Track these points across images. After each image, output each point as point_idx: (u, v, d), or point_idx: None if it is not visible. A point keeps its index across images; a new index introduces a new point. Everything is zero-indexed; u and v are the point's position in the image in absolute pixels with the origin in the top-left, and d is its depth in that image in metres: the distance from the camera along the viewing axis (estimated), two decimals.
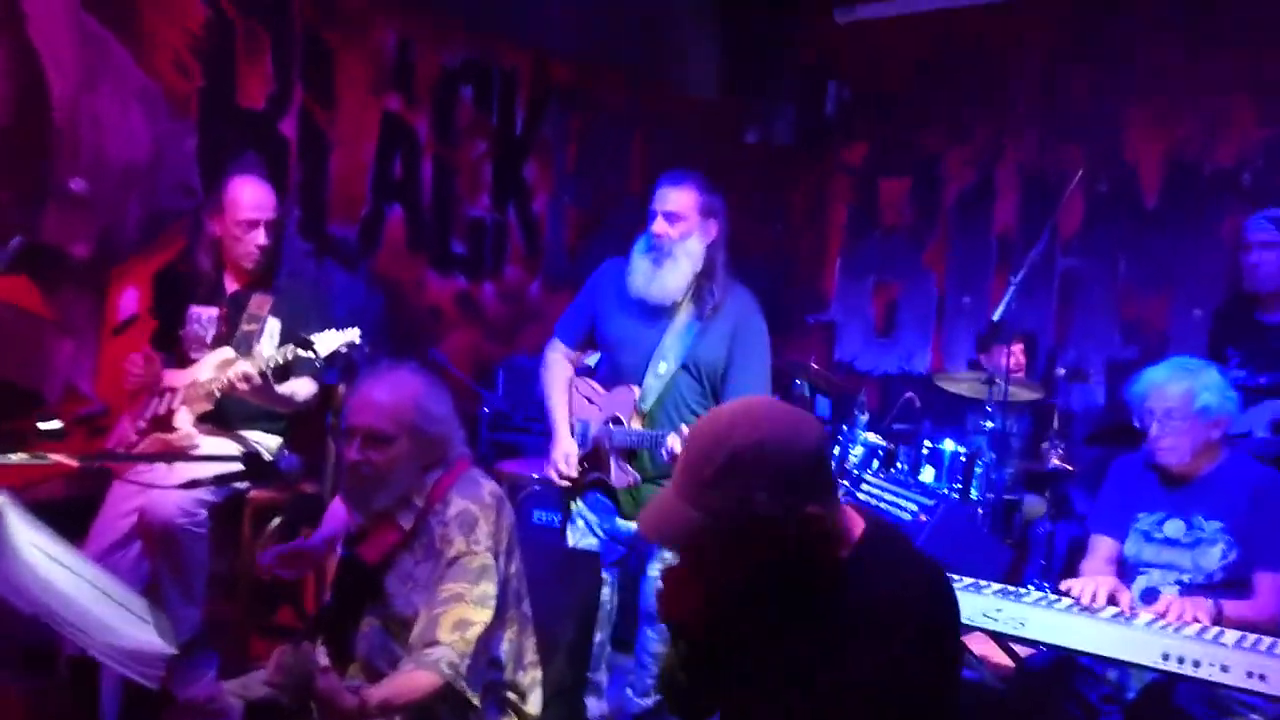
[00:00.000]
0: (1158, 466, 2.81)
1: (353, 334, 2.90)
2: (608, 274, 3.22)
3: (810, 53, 5.80)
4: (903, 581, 1.43)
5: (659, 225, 3.03)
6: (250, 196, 3.17)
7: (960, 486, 4.06)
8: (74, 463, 2.02)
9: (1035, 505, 4.27)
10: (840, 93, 5.81)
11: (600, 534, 3.12)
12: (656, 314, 3.06)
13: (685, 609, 1.47)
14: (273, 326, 3.18)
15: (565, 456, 3.09)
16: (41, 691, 2.84)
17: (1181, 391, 2.71)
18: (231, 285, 3.25)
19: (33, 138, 3.45)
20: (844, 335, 5.89)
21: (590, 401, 3.16)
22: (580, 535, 3.13)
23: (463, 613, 2.07)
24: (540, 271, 5.20)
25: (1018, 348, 4.39)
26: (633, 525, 3.04)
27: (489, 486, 2.29)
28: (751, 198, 5.71)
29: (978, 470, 4.10)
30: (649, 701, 3.20)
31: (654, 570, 3.05)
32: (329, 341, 2.84)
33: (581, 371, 3.29)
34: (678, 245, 3.01)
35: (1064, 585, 2.73)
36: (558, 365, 3.26)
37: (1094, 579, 2.71)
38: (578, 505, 3.15)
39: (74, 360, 3.61)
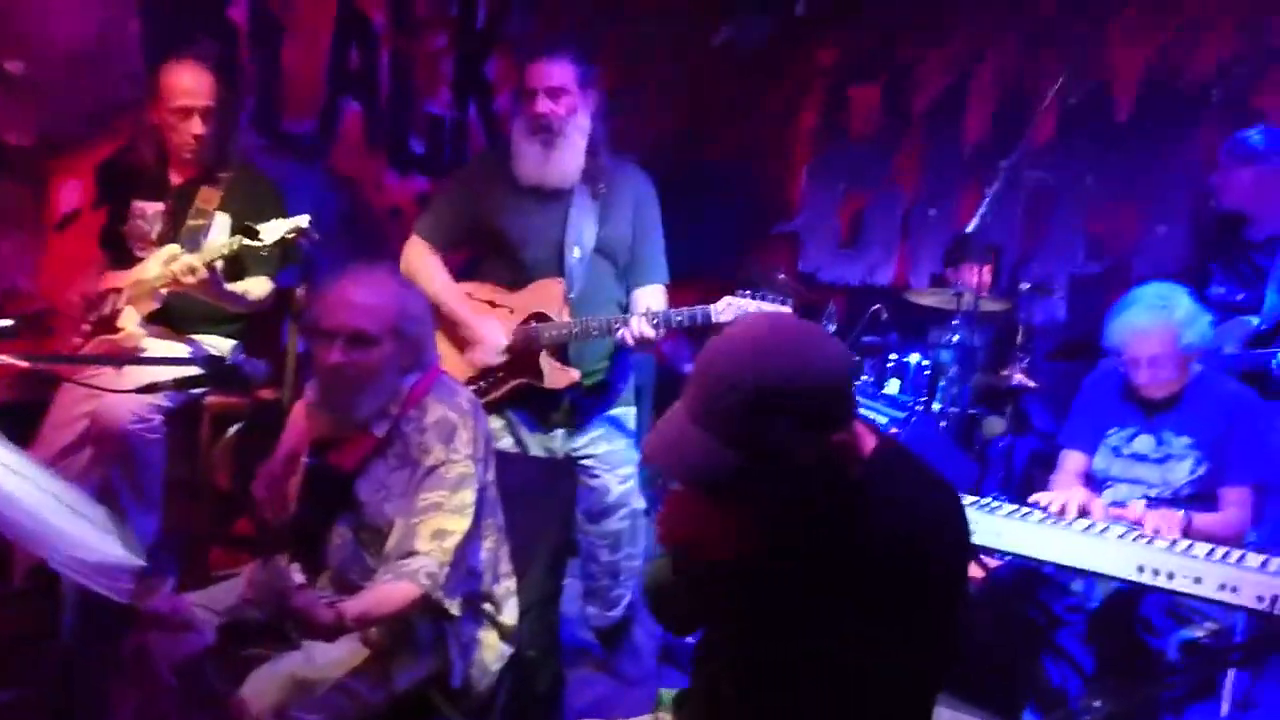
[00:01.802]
0: (1134, 386, 2.81)
1: (301, 220, 2.68)
2: (484, 168, 3.02)
3: None
4: (918, 500, 1.39)
5: (543, 104, 2.83)
6: (183, 82, 2.98)
7: (925, 399, 4.06)
8: (24, 363, 1.90)
9: (994, 423, 4.29)
10: None
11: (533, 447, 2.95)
12: (548, 200, 2.89)
13: (697, 535, 1.40)
14: (222, 222, 3.03)
15: (495, 344, 2.85)
16: None
17: (1164, 335, 2.69)
18: (177, 179, 3.09)
19: None
20: (809, 246, 5.81)
21: (495, 305, 2.94)
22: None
23: (441, 522, 2.01)
24: None
25: (987, 268, 4.33)
26: (557, 434, 2.94)
27: (465, 393, 2.23)
28: (720, 101, 5.53)
29: (941, 383, 4.10)
30: (617, 613, 3.16)
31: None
32: (275, 229, 2.65)
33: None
34: (568, 123, 2.84)
35: (1034, 498, 2.75)
36: (432, 263, 2.96)
37: (1065, 492, 2.74)
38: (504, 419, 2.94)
39: (16, 258, 3.43)
